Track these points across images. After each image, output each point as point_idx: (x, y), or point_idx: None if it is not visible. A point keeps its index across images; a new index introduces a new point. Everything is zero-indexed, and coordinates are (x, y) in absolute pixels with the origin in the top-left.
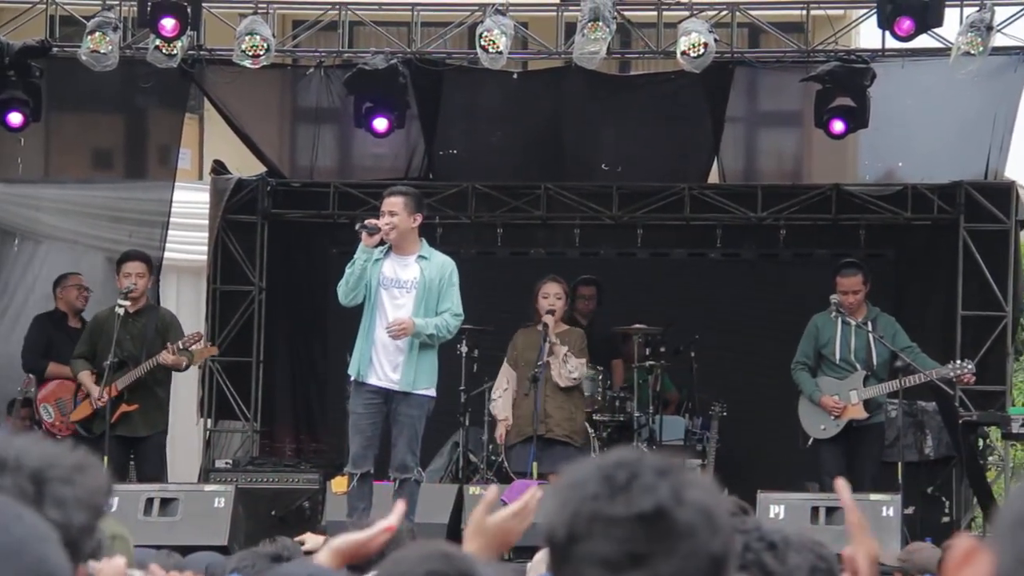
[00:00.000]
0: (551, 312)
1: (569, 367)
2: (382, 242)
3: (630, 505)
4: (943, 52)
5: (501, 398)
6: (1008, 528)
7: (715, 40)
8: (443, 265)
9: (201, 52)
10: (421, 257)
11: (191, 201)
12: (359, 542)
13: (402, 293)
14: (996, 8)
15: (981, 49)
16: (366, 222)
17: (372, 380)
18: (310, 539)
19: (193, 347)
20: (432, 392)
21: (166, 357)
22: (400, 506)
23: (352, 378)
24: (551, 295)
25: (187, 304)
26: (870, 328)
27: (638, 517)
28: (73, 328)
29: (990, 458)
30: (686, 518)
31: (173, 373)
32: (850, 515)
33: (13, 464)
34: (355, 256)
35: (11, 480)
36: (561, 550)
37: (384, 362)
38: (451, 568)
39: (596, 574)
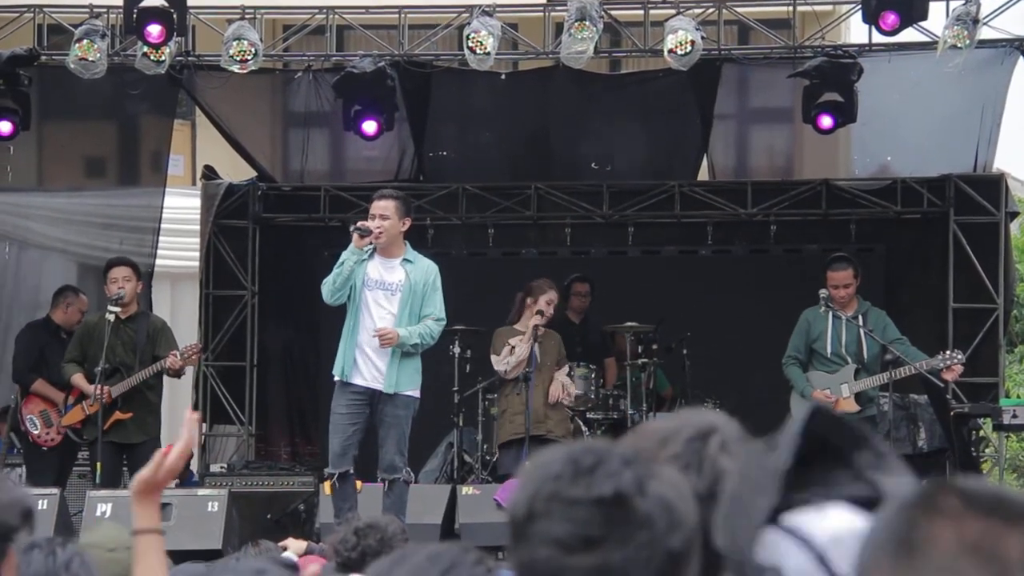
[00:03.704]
0: (543, 316)
1: (570, 390)
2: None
3: (590, 488)
4: (930, 46)
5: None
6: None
7: (702, 37)
8: (427, 269)
9: (190, 58)
10: (406, 260)
11: (185, 207)
12: (149, 476)
13: (387, 295)
14: (982, 1)
15: (968, 42)
16: (359, 224)
17: (358, 380)
18: (292, 543)
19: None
20: (416, 393)
21: (174, 362)
22: (189, 417)
23: (336, 378)
24: (553, 303)
25: (185, 310)
26: (861, 322)
27: (597, 500)
28: (67, 339)
29: (986, 450)
30: (646, 508)
31: (164, 377)
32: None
33: None
34: (343, 257)
35: None
36: (519, 528)
37: (369, 363)
38: None
39: (548, 554)
